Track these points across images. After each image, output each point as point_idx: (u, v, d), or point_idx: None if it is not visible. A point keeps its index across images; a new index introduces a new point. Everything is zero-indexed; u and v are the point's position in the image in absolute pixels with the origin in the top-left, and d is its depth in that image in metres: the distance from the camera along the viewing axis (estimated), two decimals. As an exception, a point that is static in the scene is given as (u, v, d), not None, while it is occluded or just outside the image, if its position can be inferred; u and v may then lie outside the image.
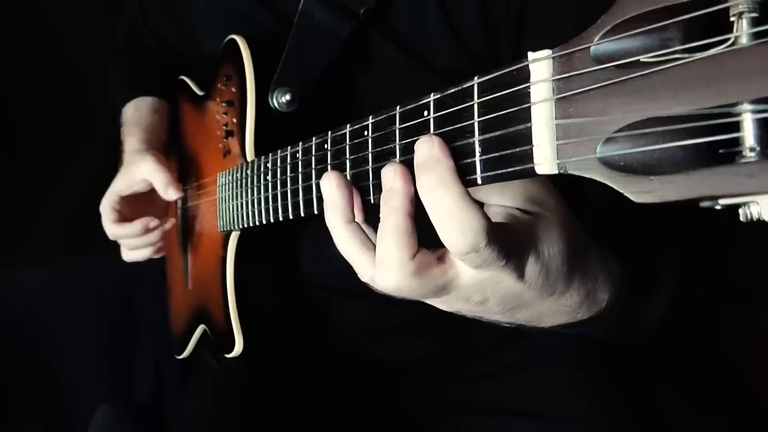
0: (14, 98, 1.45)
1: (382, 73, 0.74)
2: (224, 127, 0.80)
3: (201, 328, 0.91)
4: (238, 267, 0.78)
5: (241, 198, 0.72)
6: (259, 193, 0.67)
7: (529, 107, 0.32)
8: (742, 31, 0.24)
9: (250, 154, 0.73)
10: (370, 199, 0.44)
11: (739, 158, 0.24)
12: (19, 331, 1.32)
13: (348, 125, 0.47)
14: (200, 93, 0.94)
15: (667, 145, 0.27)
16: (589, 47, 0.29)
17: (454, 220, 0.34)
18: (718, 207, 0.26)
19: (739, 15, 0.24)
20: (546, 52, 0.31)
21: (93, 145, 1.32)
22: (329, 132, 0.50)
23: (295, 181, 0.57)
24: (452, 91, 0.37)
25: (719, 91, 0.24)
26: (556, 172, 0.31)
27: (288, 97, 0.71)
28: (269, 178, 0.64)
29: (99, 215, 0.90)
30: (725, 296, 1.15)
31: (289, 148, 0.58)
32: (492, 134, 0.34)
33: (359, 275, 0.43)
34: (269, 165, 0.63)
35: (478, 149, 0.35)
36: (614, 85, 0.28)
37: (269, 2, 0.78)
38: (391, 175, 0.38)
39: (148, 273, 0.99)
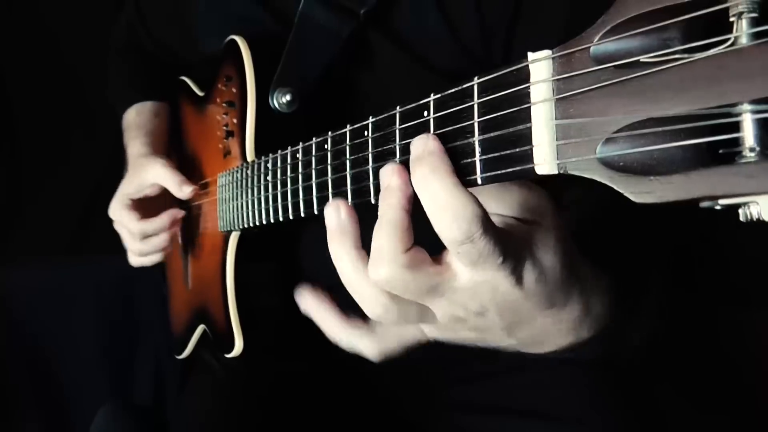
0: (15, 98, 1.45)
1: (382, 74, 0.74)
2: (224, 128, 0.80)
3: (201, 328, 0.91)
4: (238, 267, 0.78)
5: (242, 198, 0.72)
6: (259, 193, 0.67)
7: (529, 107, 0.32)
8: (742, 32, 0.24)
9: (250, 155, 0.73)
10: (370, 199, 0.44)
11: (738, 158, 0.24)
12: (18, 330, 1.32)
13: (348, 125, 0.47)
14: (200, 93, 0.94)
15: (667, 146, 0.27)
16: (589, 47, 0.29)
17: (447, 209, 0.34)
18: (717, 207, 0.26)
19: (739, 15, 0.24)
20: (546, 53, 0.31)
21: (93, 145, 1.32)
22: (329, 132, 0.50)
23: (295, 181, 0.57)
24: (452, 91, 0.37)
25: (719, 92, 0.24)
26: (555, 172, 0.31)
27: (288, 97, 0.71)
28: (269, 178, 0.64)
29: (100, 215, 0.90)
30: (725, 296, 1.15)
31: (289, 148, 0.58)
32: (492, 134, 0.34)
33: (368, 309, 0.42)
34: (269, 165, 0.64)
35: (477, 149, 0.35)
36: (614, 85, 0.28)
37: (269, 3, 0.78)
38: (389, 173, 0.38)
39: (148, 273, 0.99)
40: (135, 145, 0.93)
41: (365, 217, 0.44)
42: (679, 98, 0.26)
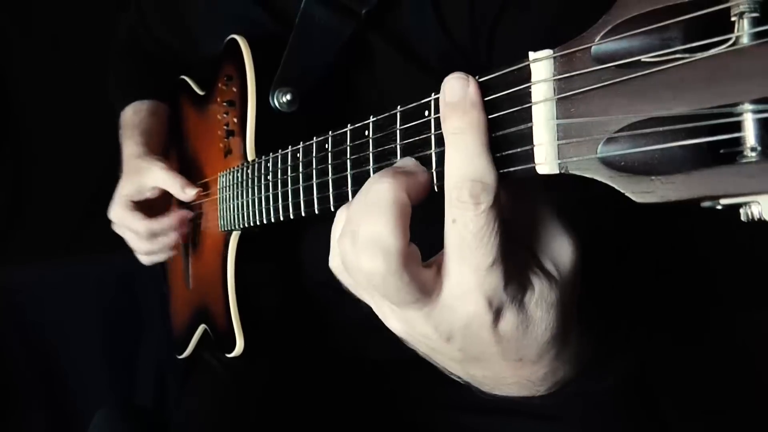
0: (15, 98, 1.45)
1: (382, 74, 0.74)
2: (225, 127, 0.80)
3: (202, 327, 0.91)
4: (238, 267, 0.78)
5: (242, 198, 0.72)
6: (259, 192, 0.67)
7: (530, 107, 0.32)
8: (743, 31, 0.24)
9: (250, 154, 0.73)
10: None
11: (740, 158, 0.24)
12: (20, 330, 1.32)
13: (349, 125, 0.47)
14: (201, 93, 0.94)
15: (668, 145, 0.27)
16: (590, 47, 0.29)
17: (473, 163, 0.32)
18: (719, 207, 0.26)
19: (740, 15, 0.24)
20: (547, 52, 0.31)
21: (93, 145, 1.32)
22: (330, 132, 0.50)
23: (295, 181, 0.57)
24: (453, 91, 0.37)
25: (720, 91, 0.24)
26: (556, 171, 0.31)
27: (289, 97, 0.71)
28: (270, 177, 0.64)
29: (100, 214, 0.90)
30: (726, 296, 1.14)
31: (289, 148, 0.58)
32: (493, 134, 0.34)
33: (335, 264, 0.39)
34: (270, 165, 0.64)
35: (478, 149, 0.35)
36: (615, 85, 0.28)
37: (270, 2, 0.78)
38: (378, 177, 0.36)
39: (149, 273, 0.99)
40: (129, 144, 0.92)
41: None
42: (680, 98, 0.26)
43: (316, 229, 0.79)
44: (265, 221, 0.66)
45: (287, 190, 0.59)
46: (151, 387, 1.32)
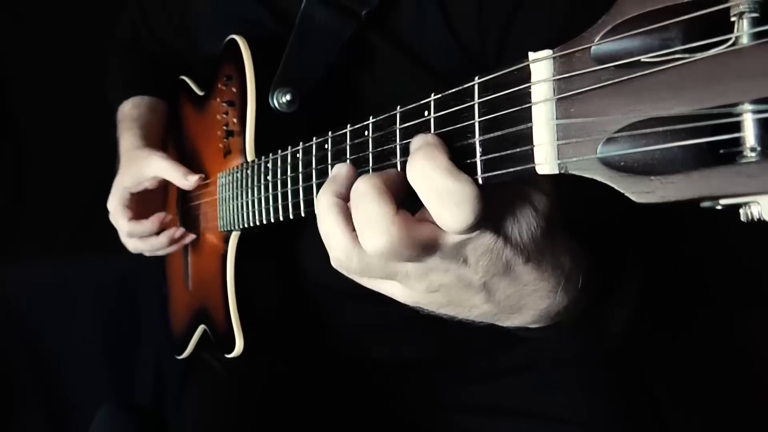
0: (16, 97, 1.45)
1: (382, 74, 0.74)
2: (225, 127, 0.80)
3: (201, 328, 0.91)
4: (238, 267, 0.78)
5: (242, 198, 0.72)
6: (259, 193, 0.67)
7: (530, 107, 0.32)
8: (743, 31, 0.24)
9: (250, 154, 0.73)
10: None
11: (739, 158, 0.24)
12: (19, 330, 1.32)
13: (349, 125, 0.47)
14: (201, 93, 0.94)
15: (668, 146, 0.27)
16: (590, 47, 0.29)
17: (448, 195, 0.34)
18: (718, 207, 0.26)
19: (740, 15, 0.24)
20: (547, 52, 0.31)
21: (93, 144, 1.32)
22: (330, 132, 0.50)
23: (295, 181, 0.57)
24: (453, 91, 0.37)
25: (720, 91, 0.24)
26: (556, 172, 0.31)
27: (288, 97, 0.71)
28: (269, 178, 0.64)
29: (100, 214, 0.90)
30: (726, 296, 1.15)
31: (289, 148, 0.58)
32: (493, 134, 0.34)
33: (336, 257, 0.41)
34: (269, 165, 0.64)
35: (479, 149, 0.35)
36: (615, 85, 0.28)
37: (270, 2, 0.78)
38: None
39: (148, 272, 0.99)
40: (128, 137, 0.91)
41: None
42: (679, 98, 0.26)
43: (316, 231, 0.79)
44: (264, 221, 0.66)
45: (287, 191, 0.59)
46: (149, 387, 1.32)
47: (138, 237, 0.88)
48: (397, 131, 0.41)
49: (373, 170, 0.43)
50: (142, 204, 0.90)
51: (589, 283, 0.45)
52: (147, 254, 0.93)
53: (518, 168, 0.33)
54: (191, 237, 0.91)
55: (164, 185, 0.89)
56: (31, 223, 1.44)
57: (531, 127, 0.32)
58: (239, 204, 0.73)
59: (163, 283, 1.09)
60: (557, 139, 0.31)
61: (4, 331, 1.31)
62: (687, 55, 0.25)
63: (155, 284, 1.13)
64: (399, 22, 0.72)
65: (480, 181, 0.35)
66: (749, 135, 0.24)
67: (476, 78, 0.36)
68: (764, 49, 0.23)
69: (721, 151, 0.25)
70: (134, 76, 1.04)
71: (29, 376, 1.31)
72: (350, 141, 0.46)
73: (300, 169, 0.56)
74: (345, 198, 0.40)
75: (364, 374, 0.89)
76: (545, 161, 0.31)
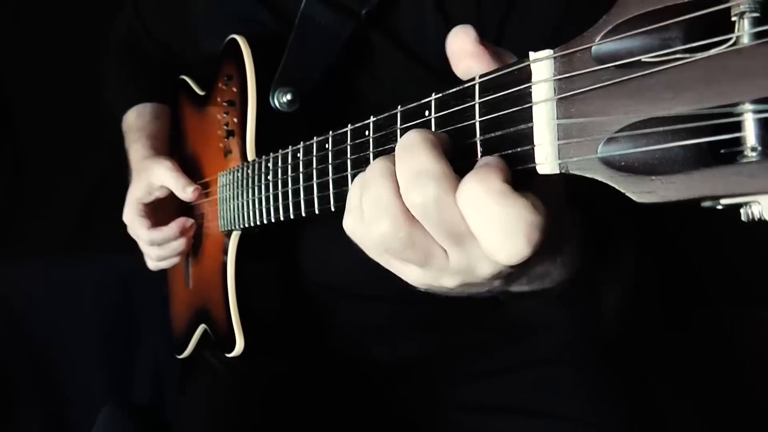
0: (16, 98, 1.45)
1: (382, 73, 0.74)
2: (225, 127, 0.80)
3: (202, 327, 0.91)
4: (238, 267, 0.78)
5: (242, 198, 0.72)
6: (260, 192, 0.67)
7: (531, 107, 0.32)
8: (744, 31, 0.24)
9: (251, 154, 0.73)
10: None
11: (740, 158, 0.24)
12: (19, 330, 1.32)
13: (349, 125, 0.47)
14: (201, 93, 0.94)
15: (669, 145, 0.27)
16: (591, 47, 0.29)
17: (499, 220, 0.31)
18: (719, 207, 0.26)
19: (741, 15, 0.24)
20: (547, 52, 0.31)
21: (93, 145, 1.32)
22: (330, 132, 0.50)
23: (296, 180, 0.57)
24: (453, 90, 0.37)
25: (720, 91, 0.24)
26: (557, 171, 0.31)
27: (289, 96, 0.71)
28: (270, 177, 0.64)
29: (100, 214, 0.90)
30: (726, 296, 1.15)
31: (290, 147, 0.58)
32: (493, 134, 0.34)
33: (385, 229, 0.36)
34: (270, 165, 0.64)
35: (479, 149, 0.35)
36: (615, 85, 0.28)
37: (270, 2, 0.78)
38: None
39: (148, 273, 0.99)
40: (137, 148, 0.92)
41: None
42: (680, 98, 0.26)
43: (316, 230, 0.79)
44: (265, 221, 0.66)
45: (287, 190, 0.59)
46: (148, 387, 1.32)
47: (159, 245, 0.88)
48: (398, 131, 0.41)
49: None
50: (159, 211, 0.90)
51: (585, 251, 0.45)
52: (166, 265, 0.93)
53: (519, 168, 0.33)
54: (190, 221, 0.91)
55: None
56: (30, 223, 1.44)
57: (531, 127, 0.32)
58: (240, 204, 0.73)
59: (164, 282, 1.09)
60: (558, 139, 0.31)
61: (3, 331, 1.31)
62: (688, 55, 0.25)
63: (155, 284, 1.13)
64: (399, 22, 0.72)
65: None
66: (750, 135, 0.24)
67: (477, 78, 0.36)
68: (765, 48, 0.23)
69: (722, 151, 0.25)
70: (133, 81, 1.04)
71: (29, 376, 1.31)
72: (351, 141, 0.46)
73: (300, 169, 0.56)
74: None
75: (364, 373, 0.89)
76: (546, 161, 0.31)
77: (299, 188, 0.56)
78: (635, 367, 0.86)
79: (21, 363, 1.31)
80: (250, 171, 0.70)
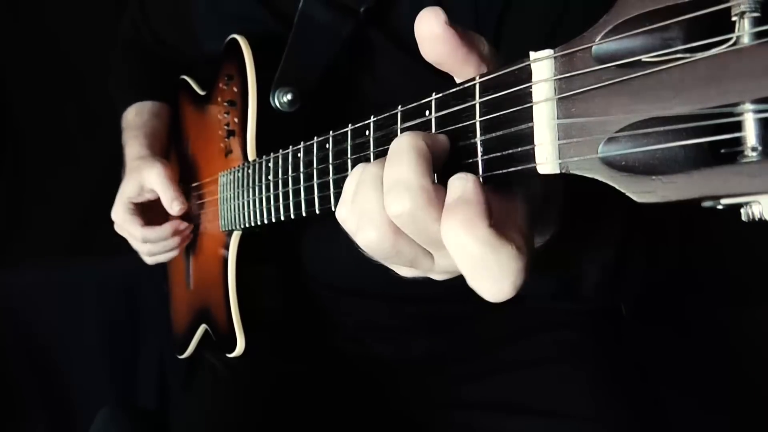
0: (16, 99, 1.45)
1: (383, 73, 0.74)
2: (226, 127, 0.80)
3: (203, 327, 0.91)
4: (239, 267, 0.78)
5: (243, 198, 0.72)
6: (260, 192, 0.67)
7: (531, 107, 0.32)
8: (744, 31, 0.24)
9: (251, 154, 0.73)
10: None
11: (740, 158, 0.24)
12: (22, 331, 1.32)
13: (349, 125, 0.47)
14: (202, 93, 0.94)
15: (669, 145, 0.27)
16: (591, 47, 0.29)
17: (484, 267, 0.31)
18: (720, 207, 0.26)
19: (741, 15, 0.24)
20: (548, 52, 0.31)
21: (94, 146, 1.32)
22: (331, 131, 0.50)
23: (296, 180, 0.57)
24: (453, 90, 0.37)
25: (721, 91, 0.24)
26: (557, 171, 0.31)
27: (289, 96, 0.71)
28: (270, 177, 0.64)
29: (101, 216, 0.90)
30: (728, 295, 1.15)
31: (290, 147, 0.58)
32: (494, 134, 0.34)
33: (410, 207, 0.35)
34: (270, 165, 0.64)
35: (479, 149, 0.35)
36: (616, 84, 0.28)
37: (270, 2, 0.78)
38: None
39: (150, 273, 0.99)
40: (134, 145, 0.92)
41: None
42: (680, 98, 0.25)
43: (317, 230, 0.79)
44: (266, 221, 0.66)
45: (288, 190, 0.59)
46: (152, 387, 1.32)
47: (152, 242, 0.89)
48: (398, 130, 0.41)
49: (374, 170, 0.43)
50: (151, 209, 0.90)
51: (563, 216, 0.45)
52: (163, 258, 0.93)
53: (519, 168, 0.33)
54: (183, 225, 0.92)
55: None
56: (32, 225, 1.44)
57: (532, 127, 0.32)
58: (240, 203, 0.73)
59: (165, 282, 1.09)
60: (558, 139, 0.31)
61: (6, 333, 1.31)
62: (688, 55, 0.25)
63: (156, 284, 1.14)
64: (398, 20, 0.72)
65: (480, 180, 0.35)
66: (750, 134, 0.24)
67: (477, 77, 0.36)
68: (765, 48, 0.23)
69: (722, 151, 0.25)
70: (137, 80, 1.04)
71: (32, 378, 1.32)
72: (351, 140, 0.46)
73: (301, 169, 0.56)
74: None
75: (366, 372, 0.89)
76: (546, 161, 0.31)
77: (300, 188, 0.56)
78: (637, 365, 0.86)
79: (25, 365, 1.31)
80: (250, 171, 0.70)
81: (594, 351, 0.82)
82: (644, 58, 0.27)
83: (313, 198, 0.53)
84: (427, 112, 0.39)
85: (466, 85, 0.36)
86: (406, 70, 0.73)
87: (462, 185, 0.33)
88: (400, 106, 0.41)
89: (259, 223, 0.68)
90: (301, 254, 0.83)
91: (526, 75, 0.32)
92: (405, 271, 0.41)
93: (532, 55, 0.32)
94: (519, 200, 0.38)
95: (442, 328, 0.85)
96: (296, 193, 0.57)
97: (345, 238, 0.42)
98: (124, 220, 0.88)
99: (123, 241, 0.93)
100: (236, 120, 0.77)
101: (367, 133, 0.44)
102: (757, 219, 0.25)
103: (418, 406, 0.86)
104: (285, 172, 0.60)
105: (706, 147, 0.26)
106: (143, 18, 1.02)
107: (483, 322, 0.85)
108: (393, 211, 0.34)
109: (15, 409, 1.30)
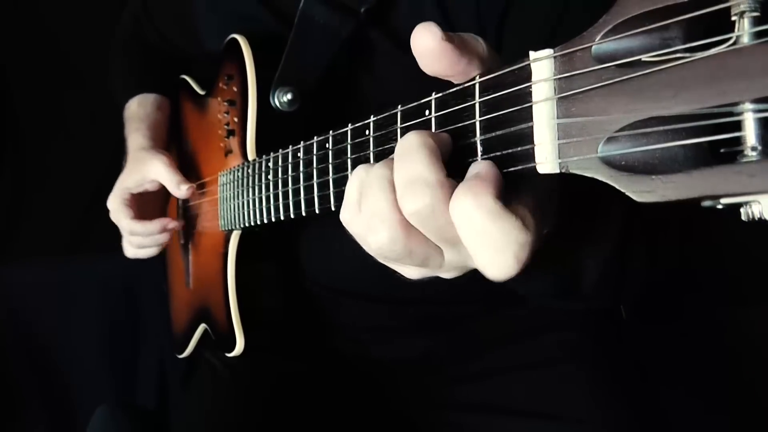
0: (16, 96, 1.45)
1: (382, 72, 0.74)
2: (225, 127, 0.80)
3: (202, 327, 0.91)
4: (239, 266, 0.78)
5: (242, 197, 0.72)
6: (260, 192, 0.67)
7: (531, 106, 0.32)
8: (744, 31, 0.24)
9: (251, 154, 0.73)
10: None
11: (740, 157, 0.24)
12: (22, 330, 1.32)
13: (349, 124, 0.47)
14: (202, 92, 0.94)
15: (669, 145, 0.27)
16: (591, 46, 0.29)
17: (487, 235, 0.32)
18: (719, 206, 0.26)
19: (741, 14, 0.24)
20: (547, 52, 0.31)
21: (94, 144, 1.32)
22: (330, 131, 0.50)
23: (296, 180, 0.57)
24: (453, 90, 0.37)
25: (720, 91, 0.24)
26: (557, 171, 0.31)
27: (289, 96, 0.71)
28: (270, 177, 0.64)
29: (101, 214, 0.91)
30: (727, 295, 1.15)
31: (290, 147, 0.58)
32: (493, 134, 0.34)
33: (423, 205, 0.35)
34: (270, 164, 0.64)
35: (479, 149, 0.35)
36: (615, 84, 0.28)
37: (270, 2, 0.78)
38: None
39: (150, 272, 0.99)
40: (137, 137, 0.92)
41: None
42: (680, 97, 0.26)
43: (317, 230, 0.79)
44: (265, 221, 0.66)
45: (288, 190, 0.59)
46: (152, 387, 1.32)
47: (140, 236, 0.89)
48: (398, 130, 0.41)
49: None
50: (145, 203, 0.90)
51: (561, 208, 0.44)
52: (144, 255, 0.93)
53: (519, 167, 0.33)
54: (178, 224, 0.92)
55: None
56: (32, 223, 1.44)
57: (532, 127, 0.32)
58: (240, 203, 0.73)
59: (164, 282, 1.09)
60: (558, 139, 0.31)
61: (6, 331, 1.31)
62: (688, 55, 0.25)
63: (157, 284, 1.14)
64: (398, 20, 0.72)
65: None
66: (750, 134, 0.24)
67: (477, 77, 0.36)
68: (765, 48, 0.23)
69: (722, 151, 0.25)
70: (139, 73, 1.04)
71: (32, 377, 1.32)
72: (351, 140, 0.46)
73: (301, 169, 0.56)
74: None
75: (364, 373, 0.89)
76: (546, 160, 0.31)
77: (299, 188, 0.56)
78: (637, 365, 0.86)
79: (24, 364, 1.31)
80: (250, 170, 0.70)
81: (594, 351, 0.82)
82: (644, 57, 0.27)
83: (313, 197, 0.53)
84: (427, 112, 0.39)
85: (466, 85, 0.36)
86: (406, 70, 0.72)
87: (477, 166, 0.34)
88: (400, 106, 0.41)
89: (258, 222, 0.68)
90: (301, 255, 0.83)
91: (526, 74, 0.32)
92: (412, 272, 0.41)
93: (532, 54, 0.32)
94: (527, 185, 0.38)
95: (442, 330, 0.85)
96: (296, 192, 0.57)
97: (345, 239, 0.42)
98: (117, 210, 0.88)
99: (122, 240, 0.93)
100: (236, 119, 0.77)
101: (367, 132, 0.44)
102: (756, 218, 0.25)
103: (418, 407, 0.86)
104: (285, 171, 0.60)
105: (705, 146, 0.26)
106: (146, 14, 1.02)
107: (483, 324, 0.85)
108: (410, 209, 0.34)
109: (15, 409, 1.30)
